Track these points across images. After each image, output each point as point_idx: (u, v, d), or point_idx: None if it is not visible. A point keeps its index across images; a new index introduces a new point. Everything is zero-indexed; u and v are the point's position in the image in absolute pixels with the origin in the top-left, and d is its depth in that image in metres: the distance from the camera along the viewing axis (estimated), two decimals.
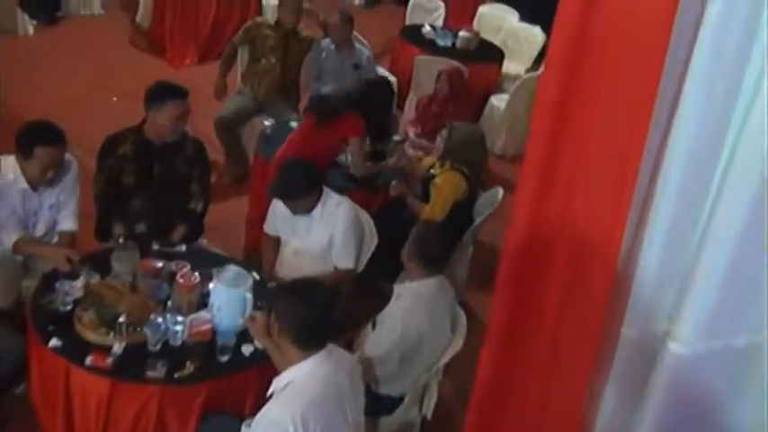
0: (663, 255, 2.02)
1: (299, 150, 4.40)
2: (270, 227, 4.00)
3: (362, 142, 4.61)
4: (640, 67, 1.90)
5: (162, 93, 3.72)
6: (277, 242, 3.98)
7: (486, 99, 7.11)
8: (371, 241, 4.06)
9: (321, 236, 3.77)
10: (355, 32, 6.11)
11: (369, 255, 4.01)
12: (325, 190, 3.78)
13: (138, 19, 8.52)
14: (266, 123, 5.21)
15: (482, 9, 8.77)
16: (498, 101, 7.07)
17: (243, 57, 6.05)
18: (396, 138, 5.36)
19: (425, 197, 4.48)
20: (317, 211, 3.75)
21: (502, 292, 2.32)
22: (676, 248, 2.01)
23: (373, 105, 4.62)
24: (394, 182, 4.63)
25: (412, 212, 4.49)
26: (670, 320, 2.06)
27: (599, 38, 1.99)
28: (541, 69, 7.18)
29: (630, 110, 1.95)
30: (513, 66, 7.88)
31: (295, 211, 3.74)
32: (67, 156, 3.58)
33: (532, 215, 2.22)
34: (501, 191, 4.64)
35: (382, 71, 7.15)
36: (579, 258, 2.14)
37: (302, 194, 3.67)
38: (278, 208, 3.83)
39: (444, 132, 4.56)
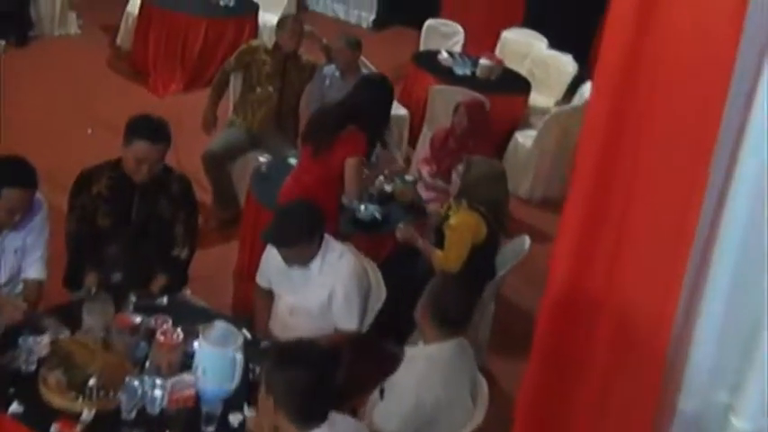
0: (722, 322, 2.01)
1: (301, 187, 4.41)
2: (262, 278, 3.98)
3: (359, 163, 4.48)
4: (699, 105, 1.91)
5: (132, 129, 3.72)
6: (270, 296, 3.95)
7: (510, 135, 7.17)
8: (379, 296, 4.03)
9: (320, 292, 3.73)
10: (362, 58, 6.17)
11: (376, 311, 3.99)
12: (327, 238, 3.75)
13: (118, 41, 8.65)
14: (261, 160, 5.23)
15: (506, 34, 8.87)
16: (524, 137, 7.11)
17: (236, 84, 6.12)
18: (408, 177, 5.37)
19: (439, 244, 4.47)
20: (316, 263, 3.71)
21: (537, 364, 2.30)
22: (737, 315, 2.00)
23: (370, 107, 4.55)
24: (401, 224, 4.62)
25: (425, 259, 4.48)
26: (731, 392, 2.03)
27: (652, 72, 2.00)
28: (574, 102, 7.26)
29: (690, 153, 1.95)
30: (541, 98, 7.95)
31: (289, 262, 3.70)
32: (36, 194, 3.58)
33: (573, 274, 2.22)
34: (527, 240, 4.64)
35: (393, 103, 7.20)
36: (628, 325, 2.13)
37: (299, 242, 3.63)
38: (272, 256, 3.81)
39: (461, 167, 4.58)
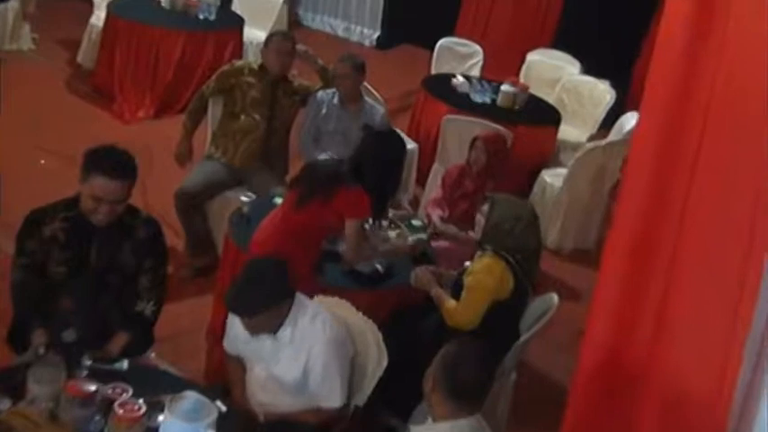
0: None
1: (278, 235, 4.41)
2: (230, 344, 3.96)
3: (361, 226, 4.56)
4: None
5: (90, 161, 3.71)
6: (243, 364, 3.95)
7: (536, 174, 7.19)
8: (379, 362, 3.99)
9: (293, 365, 3.70)
10: (365, 83, 6.20)
11: (374, 382, 3.95)
12: (299, 299, 3.72)
13: (79, 58, 8.72)
14: (243, 200, 5.24)
15: (532, 56, 8.94)
16: (552, 177, 7.13)
17: (215, 111, 6.15)
18: (415, 222, 5.36)
19: (457, 296, 4.46)
20: (286, 330, 3.68)
21: None
22: None
23: (377, 166, 4.57)
24: (417, 269, 4.62)
25: (437, 317, 4.45)
26: None
27: (709, 108, 2.00)
28: (612, 136, 7.28)
29: (752, 201, 1.94)
30: (573, 131, 7.97)
31: (253, 331, 3.68)
32: None
33: (612, 340, 2.21)
34: (555, 298, 4.62)
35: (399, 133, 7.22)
36: (676, 404, 2.11)
37: (262, 311, 3.61)
38: (236, 323, 3.79)
39: (485, 207, 4.56)
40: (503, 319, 4.42)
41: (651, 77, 2.11)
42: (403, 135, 7.30)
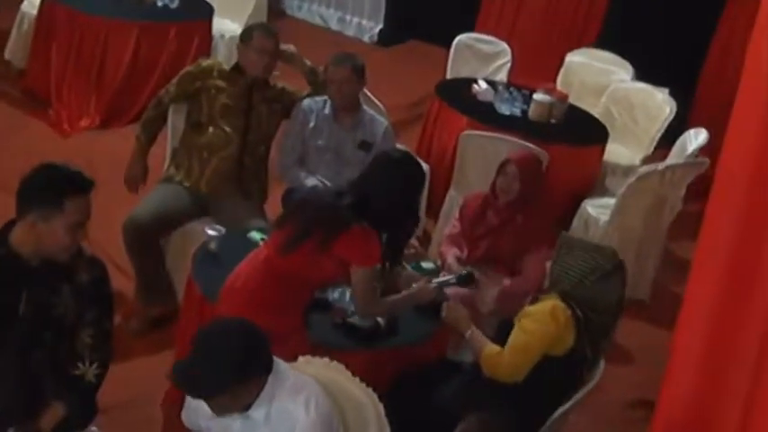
0: None
1: (254, 284, 4.41)
2: (190, 419, 3.95)
3: (372, 275, 4.51)
4: None
5: (62, 187, 3.72)
6: None
7: (576, 205, 7.20)
8: None
9: None
10: (364, 89, 6.20)
11: None
12: (277, 370, 3.67)
13: (7, 55, 8.72)
14: (210, 234, 5.22)
15: (572, 58, 8.97)
16: (597, 209, 7.13)
17: (176, 121, 6.15)
18: (426, 265, 5.35)
19: (501, 340, 4.48)
20: (260, 411, 3.65)
21: None
22: None
23: (391, 200, 4.55)
24: (446, 303, 4.67)
25: (474, 353, 4.48)
26: None
27: None
28: (672, 158, 7.28)
29: None
30: (624, 151, 8.00)
31: (218, 412, 3.66)
32: None
33: (689, 422, 2.21)
34: (601, 361, 4.61)
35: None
36: None
37: (220, 391, 3.56)
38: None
39: (559, 247, 4.56)
40: (548, 382, 4.41)
41: (741, 94, 2.12)
42: (411, 153, 7.36)
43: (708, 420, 2.32)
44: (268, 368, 3.64)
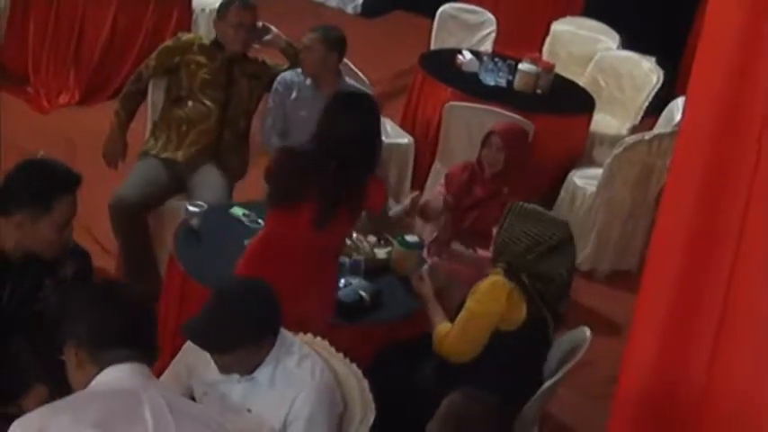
0: None
1: (303, 269, 4.45)
2: (171, 386, 3.93)
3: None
4: None
5: (53, 185, 3.74)
6: None
7: (563, 176, 7.22)
8: (364, 415, 4.00)
9: (270, 414, 3.71)
10: (346, 60, 6.19)
11: None
12: (282, 336, 3.73)
13: None
14: (191, 210, 5.20)
15: (558, 27, 8.96)
16: (584, 180, 7.15)
17: (156, 96, 6.15)
18: (410, 238, 5.35)
19: None
20: (265, 371, 3.69)
21: None
22: None
23: (371, 143, 4.62)
24: (426, 266, 4.74)
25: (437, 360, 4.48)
26: None
27: None
28: (659, 128, 7.29)
29: None
30: (610, 121, 8.01)
31: (225, 370, 3.70)
32: None
33: (654, 384, 2.22)
34: (587, 333, 4.63)
35: (391, 126, 7.22)
36: None
37: (241, 346, 3.61)
38: (194, 358, 3.81)
39: (506, 215, 4.57)
40: (514, 358, 4.41)
41: (699, 57, 2.12)
42: (395, 127, 7.36)
43: (671, 384, 2.33)
44: (276, 331, 3.70)
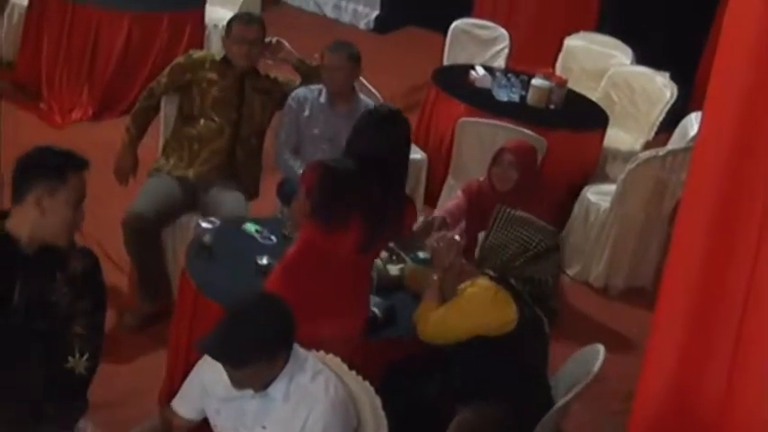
0: None
1: (352, 287, 4.50)
2: (184, 403, 3.98)
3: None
4: None
5: (63, 164, 3.74)
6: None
7: (576, 192, 7.21)
8: None
9: (284, 429, 3.72)
10: (361, 78, 6.20)
11: None
12: (296, 352, 3.74)
13: None
14: (204, 226, 5.19)
15: (571, 42, 8.95)
16: (597, 196, 7.14)
17: (168, 113, 6.16)
18: (423, 255, 5.35)
19: None
20: (279, 386, 3.70)
21: None
22: None
23: (401, 161, 4.61)
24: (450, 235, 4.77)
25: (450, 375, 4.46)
26: None
27: None
28: (673, 143, 7.28)
29: None
30: (624, 137, 8.00)
31: (239, 385, 3.70)
32: None
33: (670, 402, 2.21)
34: (602, 351, 4.60)
35: None
36: None
37: (257, 360, 3.62)
38: (211, 374, 3.81)
39: (494, 220, 4.58)
40: (518, 361, 4.43)
41: (715, 74, 2.12)
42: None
43: (688, 401, 2.33)
44: (290, 346, 3.72)
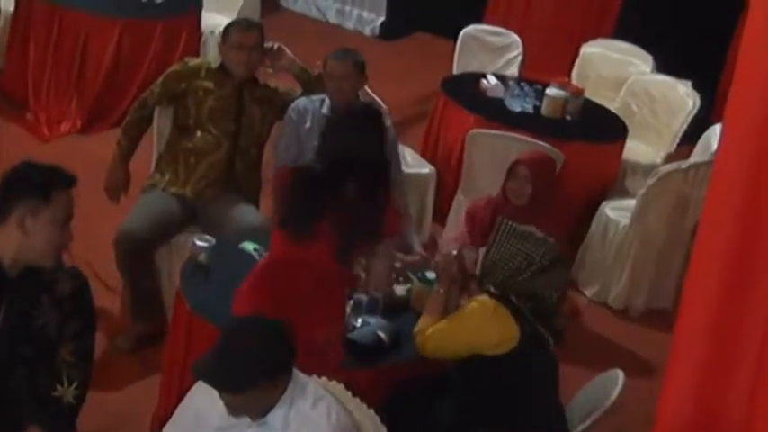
0: None
1: (271, 298, 4.40)
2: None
3: (391, 247, 4.68)
4: None
5: (47, 182, 3.75)
6: None
7: (594, 208, 7.21)
8: None
9: None
10: (365, 87, 6.20)
11: None
12: (296, 377, 3.74)
13: None
14: (199, 245, 5.21)
15: (588, 49, 8.96)
16: (616, 211, 7.14)
17: (162, 125, 6.16)
18: (431, 275, 5.35)
19: None
20: (278, 413, 3.69)
21: None
22: None
23: (380, 160, 4.60)
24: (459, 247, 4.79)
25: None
26: None
27: None
28: (695, 156, 7.28)
29: None
30: (644, 149, 8.00)
31: (236, 412, 3.70)
32: None
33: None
34: (621, 376, 4.61)
35: (411, 154, 7.23)
36: None
37: (254, 385, 3.61)
38: (204, 402, 3.80)
39: (495, 234, 4.59)
40: (525, 382, 4.44)
41: (736, 83, 2.13)
42: (415, 156, 7.36)
43: (709, 428, 2.33)
44: (290, 370, 3.72)
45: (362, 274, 4.76)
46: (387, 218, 4.50)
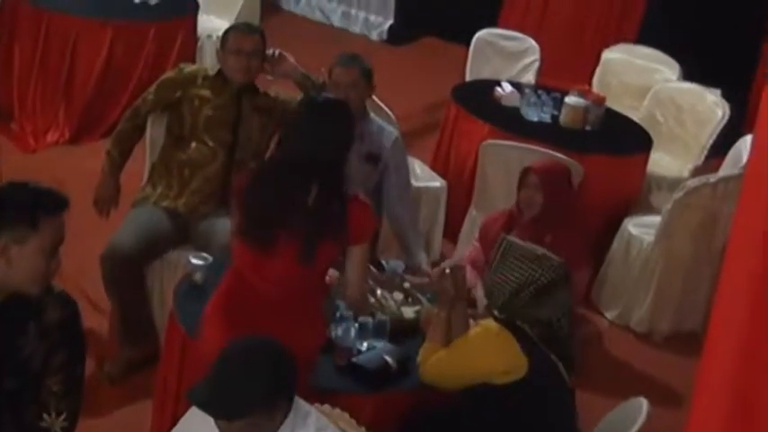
0: None
1: (272, 311, 4.39)
2: None
3: (365, 252, 4.60)
4: None
5: (33, 207, 3.73)
6: None
7: (616, 224, 7.19)
8: None
9: None
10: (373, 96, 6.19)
11: None
12: (297, 405, 3.73)
13: None
14: (194, 263, 5.21)
15: (609, 55, 8.96)
16: (640, 228, 7.14)
17: (155, 135, 6.16)
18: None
19: None
20: None
21: None
22: None
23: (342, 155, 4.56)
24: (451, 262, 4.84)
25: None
26: None
27: None
28: (725, 169, 7.27)
29: None
30: (670, 162, 7.99)
31: None
32: None
33: None
34: (645, 404, 4.60)
35: (420, 167, 7.23)
36: None
37: (251, 412, 3.61)
38: (198, 428, 3.80)
39: (496, 253, 4.59)
40: (538, 410, 4.42)
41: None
42: (425, 168, 7.36)
43: None
44: (291, 396, 3.71)
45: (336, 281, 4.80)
46: (353, 216, 4.44)
